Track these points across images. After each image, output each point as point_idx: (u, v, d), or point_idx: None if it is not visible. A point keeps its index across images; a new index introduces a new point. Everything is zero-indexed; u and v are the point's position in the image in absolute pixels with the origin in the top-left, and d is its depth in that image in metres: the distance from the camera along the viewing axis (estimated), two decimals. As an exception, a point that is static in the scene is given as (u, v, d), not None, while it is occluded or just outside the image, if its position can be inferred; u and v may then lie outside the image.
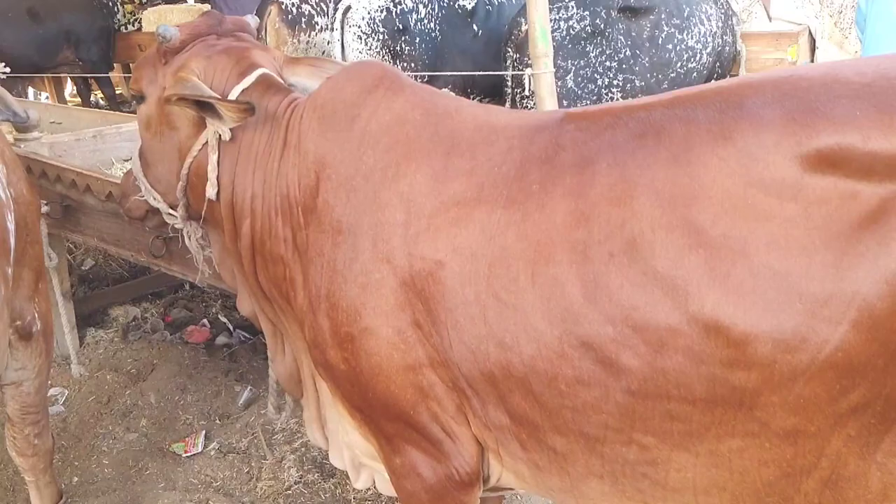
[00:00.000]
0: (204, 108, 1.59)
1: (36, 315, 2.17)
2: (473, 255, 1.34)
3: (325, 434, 1.86)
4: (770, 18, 5.33)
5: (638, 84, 4.22)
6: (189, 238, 1.85)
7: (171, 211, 1.80)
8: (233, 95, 1.62)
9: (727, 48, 4.65)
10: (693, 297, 1.18)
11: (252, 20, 1.87)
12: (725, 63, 4.70)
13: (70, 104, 8.99)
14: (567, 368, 1.28)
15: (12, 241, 1.84)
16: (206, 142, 1.64)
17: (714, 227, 1.17)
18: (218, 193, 1.65)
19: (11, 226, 1.85)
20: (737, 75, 5.10)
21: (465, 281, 1.35)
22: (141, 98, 1.76)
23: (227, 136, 1.61)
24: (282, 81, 1.70)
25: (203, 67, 1.66)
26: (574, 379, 1.28)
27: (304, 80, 1.76)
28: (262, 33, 5.13)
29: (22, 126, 3.34)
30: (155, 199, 1.80)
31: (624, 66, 4.09)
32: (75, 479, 2.89)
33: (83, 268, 4.36)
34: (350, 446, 1.75)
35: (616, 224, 1.24)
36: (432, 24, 4.51)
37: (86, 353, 3.63)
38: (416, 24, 4.48)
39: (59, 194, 3.17)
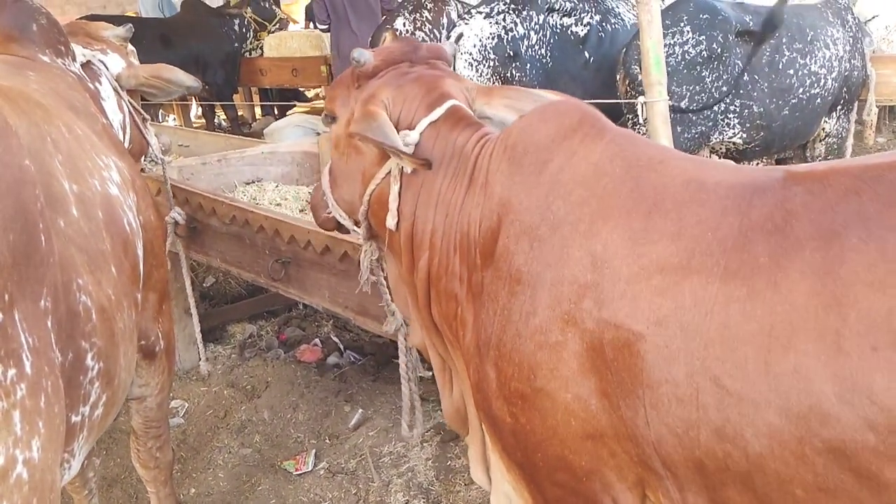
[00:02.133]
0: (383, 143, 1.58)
1: (159, 335, 2.28)
2: (683, 331, 1.21)
3: (489, 475, 1.81)
4: None
5: (756, 110, 4.08)
6: (364, 256, 1.87)
7: (355, 228, 1.81)
8: (420, 128, 1.59)
9: (856, 73, 4.43)
10: None
11: (449, 47, 1.84)
12: (853, 88, 4.48)
13: (196, 126, 9.49)
14: (807, 473, 1.12)
15: (141, 267, 1.95)
16: (390, 171, 1.63)
17: None
18: (398, 223, 1.64)
19: (141, 252, 1.96)
20: (866, 100, 4.87)
21: (672, 358, 1.21)
22: (332, 119, 1.78)
23: (409, 169, 1.60)
24: (472, 114, 1.66)
25: (392, 97, 1.64)
26: (815, 486, 1.12)
27: (498, 113, 1.70)
28: (378, 59, 5.27)
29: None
30: (340, 216, 1.83)
31: (742, 91, 3.97)
32: (192, 490, 3.02)
33: (204, 285, 4.57)
34: (508, 495, 1.71)
35: (881, 313, 1.07)
36: (543, 51, 4.50)
37: (207, 364, 3.79)
38: (527, 51, 4.49)
39: (187, 216, 3.34)
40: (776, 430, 1.13)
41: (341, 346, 3.89)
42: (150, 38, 7.64)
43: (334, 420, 3.34)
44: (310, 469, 3.05)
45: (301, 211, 3.78)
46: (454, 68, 5.48)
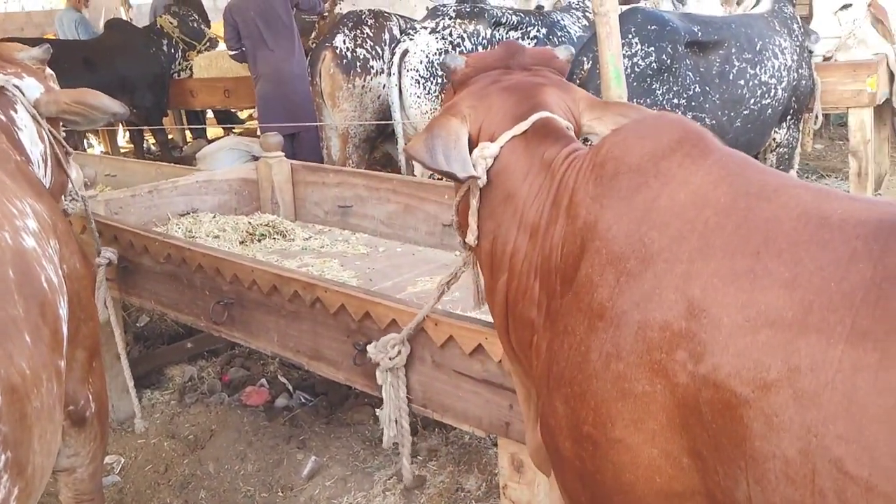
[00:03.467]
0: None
1: (90, 397, 2.03)
2: (798, 400, 1.01)
3: None
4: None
5: (709, 122, 4.00)
6: (465, 267, 1.76)
7: (461, 240, 1.66)
8: (502, 140, 1.47)
9: (803, 82, 4.40)
10: None
11: (563, 52, 1.68)
12: (802, 98, 4.46)
13: (123, 151, 9.09)
14: None
15: (65, 329, 1.69)
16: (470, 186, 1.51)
17: None
18: (479, 240, 1.51)
19: (63, 311, 1.70)
20: (812, 108, 4.85)
21: (783, 430, 1.03)
22: None
23: (482, 182, 1.48)
24: (564, 127, 1.50)
25: (473, 108, 1.52)
26: None
27: (608, 131, 1.51)
28: (318, 79, 5.05)
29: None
30: (455, 224, 1.68)
31: (693, 103, 3.88)
32: (132, 558, 2.73)
33: (138, 325, 4.26)
34: None
35: None
36: (492, 66, 4.37)
37: (143, 416, 3.49)
38: (474, 66, 4.35)
39: (117, 255, 3.06)
40: None
41: (290, 387, 3.63)
42: (73, 61, 7.27)
43: (286, 470, 3.08)
44: (262, 527, 2.79)
45: (241, 243, 3.54)
46: (320, 86, 5.30)
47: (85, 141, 9.31)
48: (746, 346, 1.06)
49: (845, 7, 4.99)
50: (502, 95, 1.54)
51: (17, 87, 2.34)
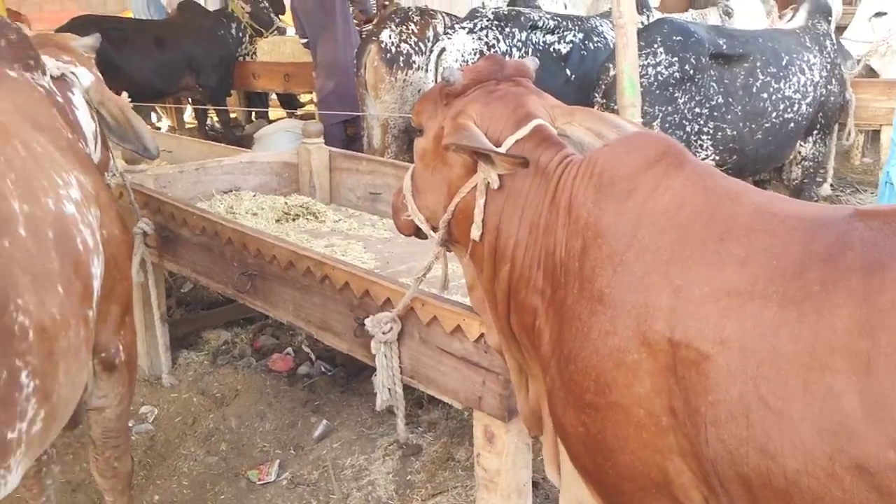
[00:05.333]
0: (478, 155, 1.65)
1: (120, 347, 2.32)
2: (742, 352, 1.28)
3: (559, 475, 1.93)
4: None
5: (730, 132, 4.13)
6: (437, 259, 2.00)
7: (432, 233, 1.91)
8: (507, 145, 1.68)
9: (832, 98, 4.48)
10: None
11: (532, 63, 1.91)
12: (830, 113, 4.53)
13: (188, 127, 9.53)
14: (836, 490, 1.18)
15: (96, 285, 1.98)
16: (476, 185, 1.71)
17: None
18: (482, 235, 1.72)
19: (96, 270, 1.99)
20: (845, 124, 4.92)
21: (731, 377, 1.29)
22: (420, 131, 1.87)
23: (495, 184, 1.67)
24: (555, 134, 1.73)
25: (480, 114, 1.73)
26: (843, 502, 1.19)
27: (577, 133, 1.77)
28: (362, 70, 5.32)
29: (131, 157, 3.60)
30: (420, 220, 1.92)
31: (715, 113, 4.01)
32: (156, 497, 3.05)
33: (182, 291, 4.61)
34: (581, 501, 1.80)
35: None
36: (526, 67, 4.56)
37: (177, 374, 3.83)
38: (510, 66, 4.54)
39: (160, 225, 3.39)
40: (810, 447, 1.20)
41: (313, 357, 3.93)
42: (145, 39, 7.69)
43: (300, 431, 3.37)
44: (273, 479, 3.09)
45: (277, 221, 3.83)
46: (364, 78, 5.52)
47: (153, 114, 9.82)
48: (709, 311, 1.33)
49: (879, 14, 5.03)
50: (500, 103, 1.75)
51: (73, 73, 2.65)
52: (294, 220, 3.89)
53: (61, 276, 1.75)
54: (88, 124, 2.66)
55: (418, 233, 2.02)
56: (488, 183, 1.69)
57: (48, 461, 2.53)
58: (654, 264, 1.41)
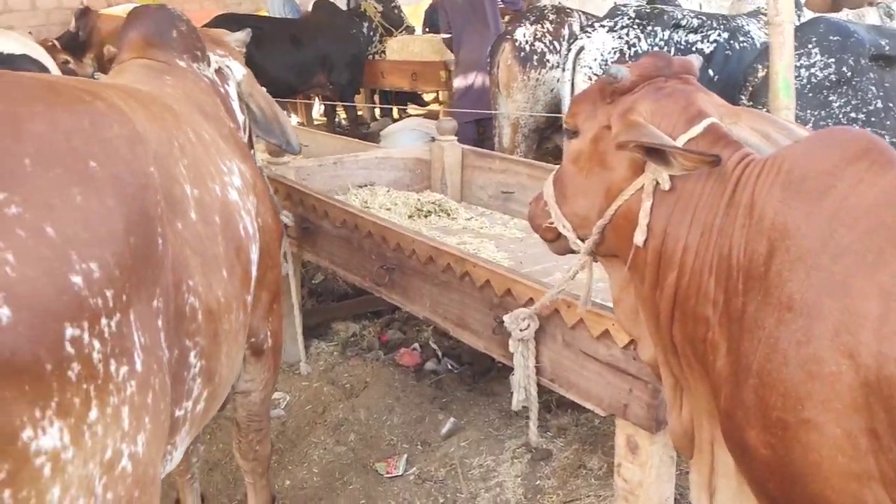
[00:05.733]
0: (652, 154, 1.57)
1: (268, 333, 2.38)
2: None
3: (713, 502, 1.80)
4: None
5: (889, 139, 3.85)
6: (583, 268, 1.90)
7: (577, 241, 1.83)
8: (678, 143, 1.59)
9: None
10: None
11: (696, 60, 1.83)
12: None
13: (317, 124, 9.80)
14: None
15: (254, 271, 2.03)
16: (642, 187, 1.62)
17: None
18: (646, 241, 1.63)
19: (255, 256, 2.04)
20: None
21: None
22: (574, 133, 1.79)
23: (666, 185, 1.58)
24: (729, 133, 1.63)
25: (650, 111, 1.64)
26: None
27: (742, 134, 1.66)
28: (495, 69, 5.29)
29: (276, 150, 3.70)
30: (565, 228, 1.84)
31: (873, 119, 3.75)
32: (287, 482, 3.12)
33: (313, 282, 4.72)
34: None
35: None
36: (667, 67, 4.42)
37: (308, 362, 3.91)
38: (649, 66, 4.41)
39: (300, 216, 3.46)
40: None
41: (439, 353, 3.93)
42: (282, 38, 7.95)
43: (427, 427, 3.38)
44: (400, 473, 3.10)
45: (409, 217, 3.85)
46: (497, 76, 5.48)
47: (287, 112, 10.14)
48: None
49: None
50: (670, 101, 1.65)
51: (228, 66, 2.74)
52: (426, 216, 3.91)
53: (226, 261, 1.79)
54: (240, 116, 2.74)
55: (558, 240, 1.92)
56: (656, 184, 1.59)
57: (195, 440, 2.62)
58: (858, 267, 1.28)
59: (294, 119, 9.94)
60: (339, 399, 3.61)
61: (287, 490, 3.07)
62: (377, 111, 10.01)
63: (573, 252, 1.91)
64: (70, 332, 1.11)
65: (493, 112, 5.27)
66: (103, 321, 1.18)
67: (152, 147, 1.50)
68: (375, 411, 3.49)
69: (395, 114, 9.71)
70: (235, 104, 2.70)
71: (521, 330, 2.31)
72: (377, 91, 9.49)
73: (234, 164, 2.08)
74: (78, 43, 10.73)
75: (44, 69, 3.67)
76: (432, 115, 8.64)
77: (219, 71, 2.66)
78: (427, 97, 10.77)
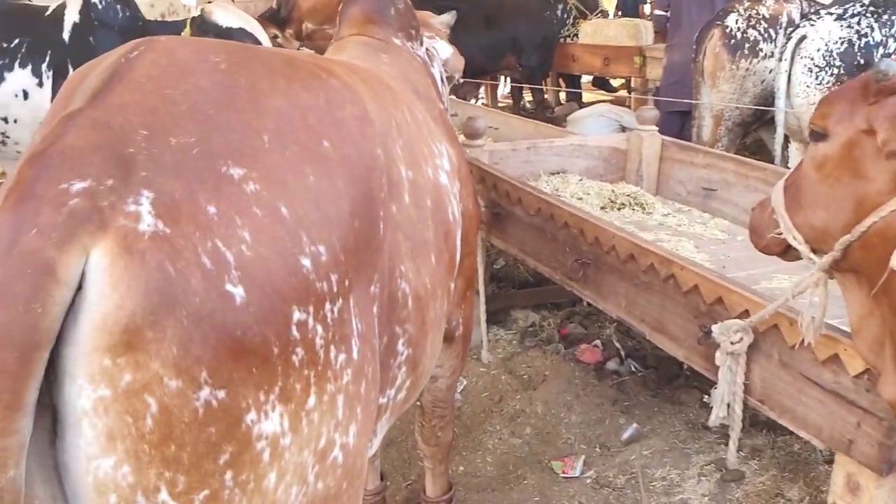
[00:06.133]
0: None
1: (460, 320, 2.33)
2: None
3: None
4: None
5: None
6: (816, 286, 1.73)
7: (811, 256, 1.68)
8: None
9: None
10: None
11: None
12: None
13: (501, 105, 9.76)
14: None
15: (458, 257, 1.98)
16: None
17: None
18: None
19: (459, 242, 1.98)
20: None
21: None
22: (821, 135, 1.61)
23: None
24: None
25: None
26: None
27: None
28: (701, 56, 4.98)
29: (472, 132, 3.66)
30: (796, 240, 1.70)
31: None
32: (461, 468, 3.09)
33: (495, 267, 4.66)
34: None
35: None
36: (903, 60, 3.97)
37: (488, 349, 3.86)
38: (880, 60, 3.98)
39: (493, 201, 3.40)
40: None
41: (622, 353, 3.76)
42: (476, 19, 7.95)
43: (607, 429, 3.23)
44: (577, 475, 2.98)
45: (602, 208, 3.70)
46: (702, 64, 5.08)
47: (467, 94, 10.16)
48: None
49: None
50: None
51: (434, 48, 2.71)
52: (619, 209, 3.73)
53: (435, 246, 1.74)
54: (445, 96, 2.71)
55: (785, 253, 1.76)
56: None
57: (379, 418, 2.63)
58: None
59: (479, 100, 9.96)
60: (516, 390, 3.54)
61: (460, 476, 3.03)
62: (561, 95, 9.83)
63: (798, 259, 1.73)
64: (297, 315, 1.08)
65: (699, 102, 4.97)
66: (327, 306, 1.14)
67: (378, 128, 1.46)
68: (553, 406, 3.38)
69: (583, 98, 9.50)
70: (441, 86, 2.67)
71: (731, 343, 2.12)
72: (561, 74, 9.32)
73: (443, 146, 2.03)
74: (279, 19, 11.32)
75: (258, 43, 3.81)
76: (619, 102, 8.36)
77: (427, 52, 2.64)
78: (615, 82, 10.47)
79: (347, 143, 1.29)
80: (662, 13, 6.17)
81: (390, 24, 2.28)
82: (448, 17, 3.08)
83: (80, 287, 0.93)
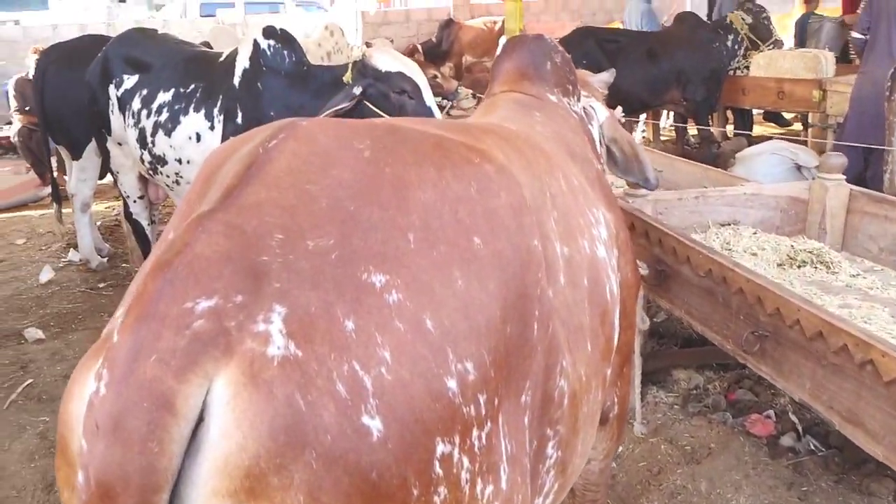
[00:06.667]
0: None
1: (616, 400, 2.12)
2: None
3: None
4: None
5: None
6: None
7: None
8: None
9: None
10: None
11: None
12: None
13: (663, 139, 9.37)
14: None
15: (616, 338, 1.78)
16: None
17: None
18: None
19: (617, 320, 1.79)
20: None
21: None
22: None
23: None
24: None
25: None
26: None
27: None
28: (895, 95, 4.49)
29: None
30: None
31: None
32: (614, 548, 2.85)
33: (655, 320, 4.37)
34: None
35: None
36: None
37: (644, 413, 3.59)
38: None
39: (656, 257, 3.16)
40: None
41: (799, 427, 3.38)
42: (638, 52, 7.69)
43: (781, 518, 2.89)
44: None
45: (779, 265, 3.36)
46: None
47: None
48: None
49: None
50: None
51: (592, 107, 2.53)
52: (799, 267, 3.37)
53: (591, 331, 1.56)
54: (603, 157, 2.54)
55: None
56: None
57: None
58: None
59: (638, 134, 9.61)
60: (677, 462, 3.25)
61: (613, 558, 2.80)
62: (728, 129, 9.31)
63: None
64: (441, 448, 0.94)
65: (889, 148, 4.48)
66: (474, 433, 1.00)
67: (535, 215, 1.30)
68: (719, 485, 3.07)
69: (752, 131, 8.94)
70: (598, 146, 2.50)
71: None
72: (730, 108, 8.82)
73: (600, 212, 1.85)
74: (440, 51, 11.53)
75: (416, 88, 3.77)
76: (793, 136, 7.79)
77: (584, 109, 2.48)
78: (788, 115, 9.80)
79: (501, 237, 1.14)
80: (861, 36, 5.61)
81: (545, 80, 2.13)
82: (607, 76, 2.92)
83: (201, 418, 0.84)
